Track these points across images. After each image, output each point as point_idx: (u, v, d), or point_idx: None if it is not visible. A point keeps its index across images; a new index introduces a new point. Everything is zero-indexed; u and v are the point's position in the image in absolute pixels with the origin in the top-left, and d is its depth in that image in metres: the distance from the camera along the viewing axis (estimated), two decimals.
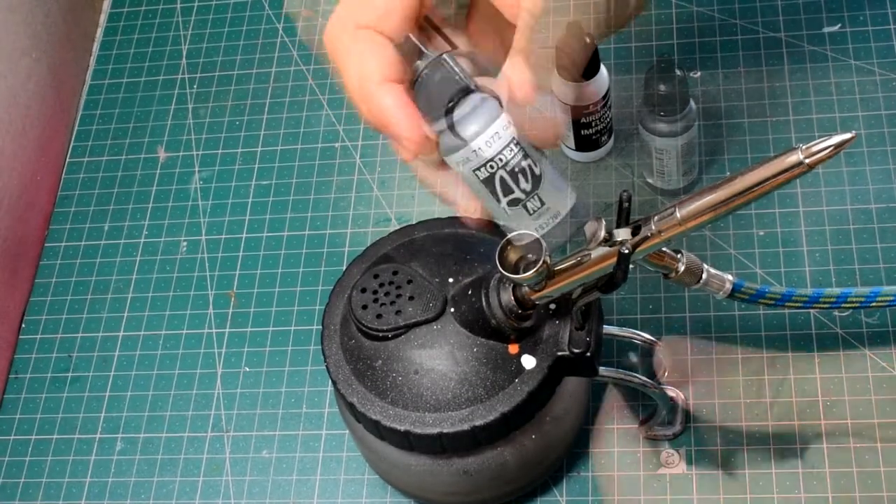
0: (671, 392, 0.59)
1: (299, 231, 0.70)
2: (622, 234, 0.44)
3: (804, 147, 0.39)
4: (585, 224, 0.44)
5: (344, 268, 0.55)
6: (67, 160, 0.76)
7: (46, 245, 0.73)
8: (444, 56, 0.44)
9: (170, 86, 0.78)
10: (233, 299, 0.68)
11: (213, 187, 0.73)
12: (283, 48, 0.78)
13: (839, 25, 0.71)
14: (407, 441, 0.50)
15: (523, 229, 0.45)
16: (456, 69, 0.44)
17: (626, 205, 0.44)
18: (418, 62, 0.44)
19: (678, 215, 0.42)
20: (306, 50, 0.77)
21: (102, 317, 0.69)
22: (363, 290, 0.51)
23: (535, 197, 0.45)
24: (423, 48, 0.44)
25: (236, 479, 0.62)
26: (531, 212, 0.45)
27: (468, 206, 0.47)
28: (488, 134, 0.43)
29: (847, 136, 0.38)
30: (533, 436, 0.53)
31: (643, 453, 0.59)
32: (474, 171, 0.44)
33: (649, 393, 0.54)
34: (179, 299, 0.69)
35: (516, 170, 0.44)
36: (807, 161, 0.39)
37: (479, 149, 0.44)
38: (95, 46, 0.82)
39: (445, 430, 0.49)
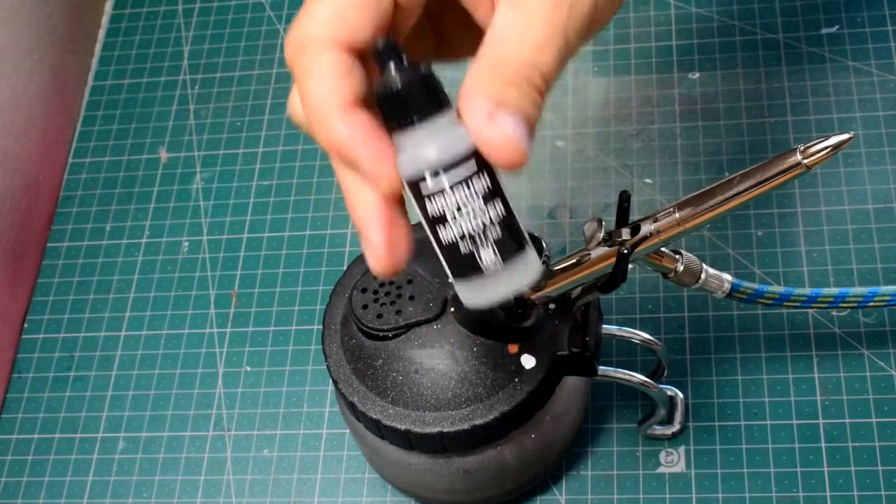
0: (670, 392, 0.59)
1: (300, 231, 0.70)
2: (621, 234, 0.44)
3: (803, 148, 0.39)
4: (585, 224, 0.45)
5: (345, 268, 0.55)
6: (70, 161, 0.77)
7: (49, 245, 0.73)
8: (422, 66, 0.37)
9: (172, 87, 0.78)
10: (234, 299, 0.68)
11: (215, 188, 0.73)
12: (284, 49, 0.78)
13: (837, 27, 0.71)
14: (407, 440, 0.50)
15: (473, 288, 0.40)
16: (437, 81, 0.37)
17: (625, 205, 0.44)
18: (391, 66, 0.37)
19: (677, 215, 0.43)
20: None
21: (104, 316, 0.69)
22: (363, 290, 0.51)
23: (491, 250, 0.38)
24: (402, 56, 0.37)
25: (237, 478, 0.62)
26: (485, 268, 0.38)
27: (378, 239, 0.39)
28: (444, 161, 0.36)
29: (845, 136, 0.39)
30: (533, 435, 0.53)
31: (642, 452, 0.59)
32: (416, 199, 0.38)
33: (648, 392, 0.54)
34: (181, 299, 0.69)
35: (470, 214, 0.37)
36: (805, 162, 0.39)
37: (430, 178, 0.37)
38: (97, 47, 0.82)
39: (445, 430, 0.49)
